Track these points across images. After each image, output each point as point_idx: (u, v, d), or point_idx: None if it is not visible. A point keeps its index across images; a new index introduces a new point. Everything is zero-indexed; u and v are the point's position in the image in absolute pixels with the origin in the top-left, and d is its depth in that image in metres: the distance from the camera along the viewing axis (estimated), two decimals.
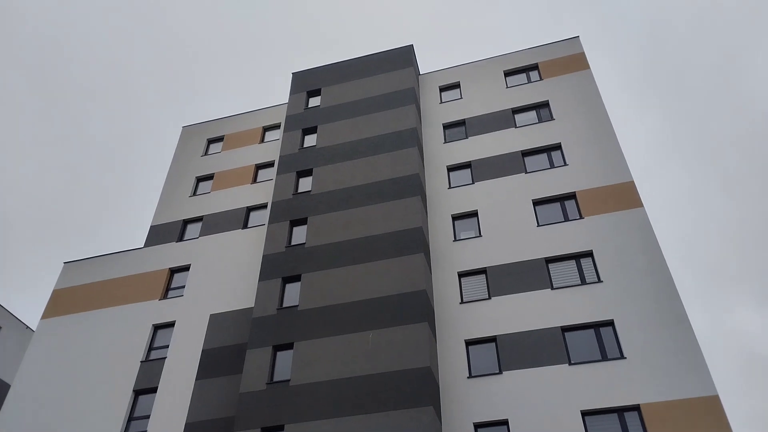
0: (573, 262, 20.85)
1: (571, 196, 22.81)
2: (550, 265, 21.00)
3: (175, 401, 21.10)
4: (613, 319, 18.84)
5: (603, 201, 21.94)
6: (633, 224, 20.91)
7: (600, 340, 18.70)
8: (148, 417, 21.14)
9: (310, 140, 27.63)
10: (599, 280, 19.89)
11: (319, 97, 29.53)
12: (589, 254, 20.84)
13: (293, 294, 21.84)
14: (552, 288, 20.21)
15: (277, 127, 31.02)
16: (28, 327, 36.25)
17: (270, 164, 29.12)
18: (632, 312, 18.78)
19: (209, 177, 29.83)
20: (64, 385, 22.89)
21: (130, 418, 21.42)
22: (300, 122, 28.39)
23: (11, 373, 33.66)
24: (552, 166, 24.06)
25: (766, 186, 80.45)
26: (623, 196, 21.82)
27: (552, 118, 25.66)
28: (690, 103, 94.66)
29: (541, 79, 27.64)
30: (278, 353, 20.32)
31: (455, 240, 22.89)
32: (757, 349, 68.61)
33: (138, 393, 22.03)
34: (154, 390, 21.86)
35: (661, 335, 18.00)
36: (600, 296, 19.51)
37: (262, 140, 30.53)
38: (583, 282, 20.16)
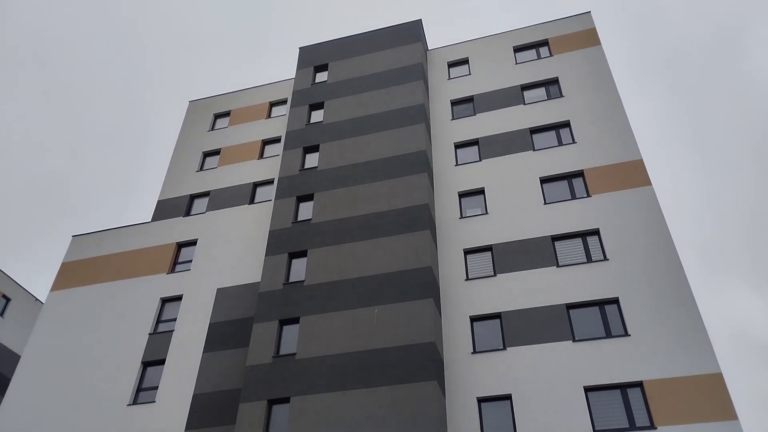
0: (579, 240, 20.83)
1: (579, 174, 22.69)
2: (556, 243, 20.98)
3: (183, 373, 21.41)
4: (618, 297, 18.88)
5: (611, 179, 21.82)
6: (641, 203, 20.81)
7: (604, 317, 18.76)
8: (156, 388, 21.47)
9: (317, 116, 27.52)
10: (605, 258, 19.88)
11: (327, 73, 29.32)
12: (595, 232, 20.80)
13: (299, 269, 21.96)
14: (558, 266, 20.23)
15: (283, 102, 30.87)
16: (37, 299, 36.72)
17: (277, 140, 29.06)
18: (638, 290, 18.80)
19: (216, 152, 29.82)
20: (73, 356, 23.23)
21: (139, 389, 21.78)
22: (307, 98, 28.24)
23: (21, 344, 34.19)
24: (560, 143, 23.90)
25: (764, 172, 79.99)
26: (631, 174, 21.68)
27: (561, 95, 25.41)
28: (696, 80, 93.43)
29: (551, 55, 27.31)
30: (284, 327, 20.51)
31: (461, 217, 22.88)
32: (750, 331, 68.75)
33: (146, 364, 22.35)
34: (162, 362, 22.17)
35: (666, 313, 18.04)
36: (605, 274, 19.52)
37: (269, 116, 30.43)
38: (589, 260, 20.16)
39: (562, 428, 16.77)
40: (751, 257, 77.14)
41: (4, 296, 34.75)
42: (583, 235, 20.90)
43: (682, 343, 17.34)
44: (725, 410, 15.80)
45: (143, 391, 21.69)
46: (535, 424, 17.07)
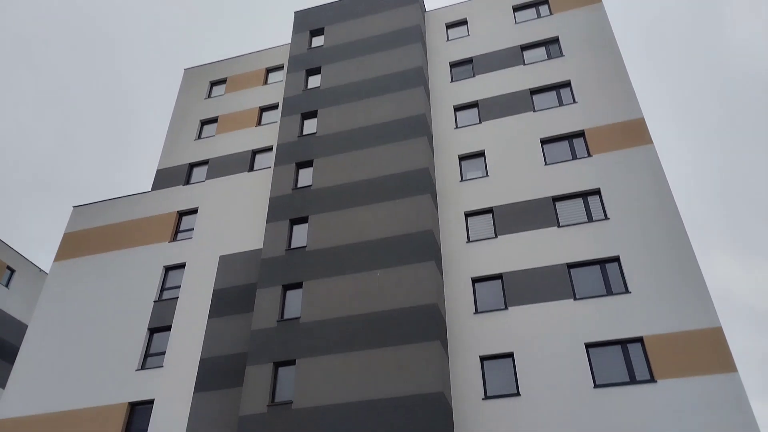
0: (580, 201, 20.86)
1: (580, 134, 22.58)
2: (557, 204, 21.02)
3: (189, 338, 21.71)
4: (618, 256, 19.01)
5: (612, 138, 21.72)
6: (642, 162, 20.76)
7: (605, 275, 18.93)
8: (163, 353, 21.80)
9: (314, 81, 27.23)
10: (606, 218, 19.94)
11: (323, 37, 28.89)
12: (596, 192, 20.82)
13: (301, 235, 22.05)
14: (558, 226, 20.31)
15: (280, 68, 30.51)
16: (41, 270, 36.97)
17: (274, 106, 28.82)
18: (638, 248, 18.91)
19: (213, 120, 29.61)
20: (80, 325, 23.51)
21: (147, 355, 22.12)
22: (303, 63, 27.90)
23: (28, 313, 34.57)
24: (561, 104, 23.71)
25: (751, 137, 79.85)
26: (633, 133, 21.57)
27: (562, 55, 25.09)
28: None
29: (551, 13, 26.86)
30: (288, 292, 20.70)
31: (462, 180, 22.86)
32: (731, 297, 69.53)
33: (152, 331, 22.64)
34: (168, 328, 22.45)
35: (667, 270, 18.18)
36: (606, 233, 19.62)
37: (266, 82, 30.11)
38: (590, 219, 20.23)
39: (564, 384, 17.09)
40: (729, 224, 77.75)
41: (8, 268, 34.99)
42: (583, 195, 20.92)
43: (682, 298, 17.53)
44: (725, 363, 16.08)
45: (151, 357, 22.04)
46: (537, 381, 17.40)
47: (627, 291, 18.22)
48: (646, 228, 19.22)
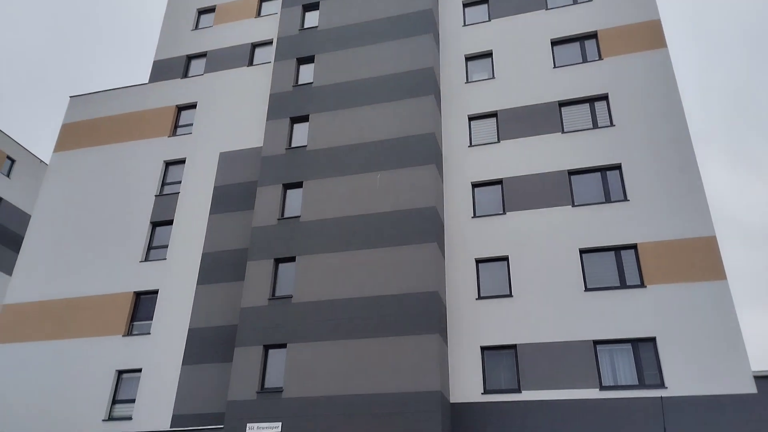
0: (587, 106, 20.40)
1: (593, 35, 21.66)
2: (563, 109, 20.58)
3: (191, 232, 22.05)
4: (620, 163, 18.89)
5: (625, 41, 20.85)
6: (654, 66, 20.07)
7: (606, 183, 18.92)
8: (166, 246, 22.24)
9: None
10: (611, 125, 19.60)
11: None
12: (604, 97, 20.31)
13: (302, 134, 21.77)
14: (563, 132, 20.01)
15: None
16: (42, 161, 36.92)
17: None
18: (642, 156, 18.75)
19: (211, 9, 28.30)
20: (82, 216, 23.80)
21: (150, 247, 22.57)
22: None
23: (30, 204, 34.95)
24: (575, 1, 22.56)
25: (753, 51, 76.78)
26: (647, 35, 20.67)
27: None
28: None
29: None
30: (288, 191, 20.77)
31: (467, 82, 22.24)
32: (724, 207, 69.90)
33: (155, 225, 22.95)
34: (170, 222, 22.75)
35: (668, 179, 18.14)
36: (611, 140, 19.37)
37: None
38: (595, 126, 19.90)
39: (555, 287, 17.60)
40: (729, 137, 76.67)
41: (8, 157, 34.92)
42: (591, 100, 20.42)
43: (679, 207, 17.62)
44: (715, 271, 16.46)
45: (154, 249, 22.50)
46: (530, 284, 17.90)
47: (626, 199, 18.28)
48: (651, 136, 18.95)
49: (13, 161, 35.25)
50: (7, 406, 20.48)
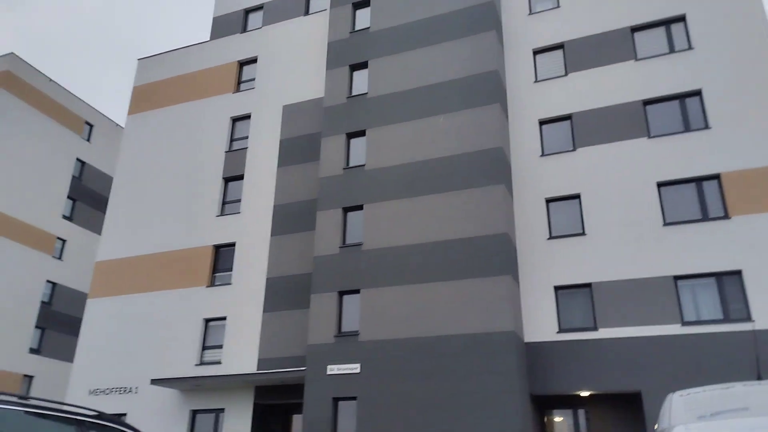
0: (662, 29, 19.04)
1: None
2: (636, 34, 19.31)
3: (262, 186, 22.69)
4: (701, 89, 17.68)
5: None
6: None
7: (684, 111, 17.83)
8: (239, 201, 23.03)
9: None
10: (690, 47, 18.27)
11: None
12: (681, 19, 18.86)
13: (362, 81, 21.60)
14: (636, 59, 18.85)
15: None
16: (117, 124, 38.60)
17: None
18: (723, 80, 17.46)
19: None
20: (159, 175, 24.89)
21: (224, 202, 23.45)
22: None
23: (110, 166, 36.83)
24: None
25: None
26: None
27: None
28: None
29: None
30: (351, 140, 20.84)
31: (530, 13, 21.18)
32: None
33: (227, 180, 23.73)
34: (241, 177, 23.45)
35: (753, 103, 16.86)
36: (689, 64, 18.09)
37: None
38: (672, 50, 18.60)
39: (631, 224, 17.02)
40: None
41: (87, 123, 36.69)
42: (666, 22, 19.03)
43: (765, 133, 16.44)
44: None
45: (228, 204, 23.37)
46: (604, 221, 17.39)
47: (707, 127, 17.20)
48: (733, 57, 17.54)
49: (91, 126, 37.02)
50: (106, 355, 22.29)
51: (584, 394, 16.52)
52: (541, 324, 17.08)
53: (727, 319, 15.35)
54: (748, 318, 15.00)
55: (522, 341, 16.80)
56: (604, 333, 16.27)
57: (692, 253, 16.10)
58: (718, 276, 15.80)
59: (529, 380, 16.58)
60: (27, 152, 32.41)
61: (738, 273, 15.58)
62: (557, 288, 17.37)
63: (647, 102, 18.29)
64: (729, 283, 15.66)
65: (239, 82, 25.59)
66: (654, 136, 17.75)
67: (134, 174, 25.57)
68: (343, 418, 17.15)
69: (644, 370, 15.40)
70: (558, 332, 16.82)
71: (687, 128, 17.57)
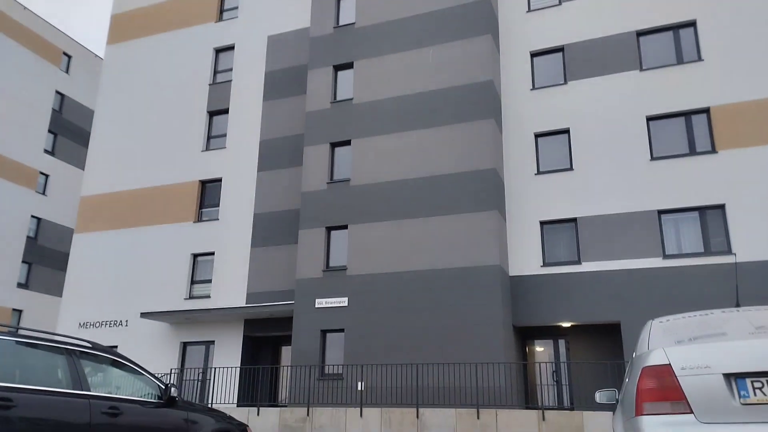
0: None
1: None
2: None
3: (247, 120, 22.26)
4: (695, 20, 17.28)
5: None
6: None
7: (678, 43, 17.48)
8: (224, 135, 22.63)
9: None
10: None
11: None
12: None
13: (349, 8, 20.86)
14: None
15: None
16: (96, 55, 37.33)
17: None
18: (719, 10, 17.03)
19: None
20: (142, 109, 24.29)
21: (209, 137, 23.04)
22: None
23: (90, 99, 35.88)
24: None
25: None
26: None
27: None
28: None
29: None
30: (339, 73, 20.33)
31: None
32: None
33: (212, 114, 23.23)
34: (225, 111, 22.94)
35: (749, 35, 16.54)
36: None
37: None
38: None
39: (619, 158, 17.00)
40: None
41: (65, 54, 35.42)
42: None
43: (759, 66, 16.22)
44: None
45: (213, 139, 22.98)
46: (592, 156, 17.35)
47: (700, 59, 16.93)
48: None
49: (69, 57, 35.78)
50: (94, 289, 22.41)
51: (565, 325, 16.97)
52: (526, 258, 17.31)
53: (708, 252, 15.63)
54: (729, 251, 15.28)
55: (507, 275, 17.08)
56: (587, 267, 16.56)
57: (678, 188, 16.20)
58: (702, 210, 15.98)
59: (513, 312, 16.97)
60: (4, 85, 31.40)
61: (721, 207, 15.75)
62: (543, 223, 17.51)
63: (641, 33, 17.89)
64: (712, 217, 15.86)
65: (222, 11, 24.62)
66: (646, 69, 17.47)
67: (116, 107, 24.94)
68: (330, 349, 17.58)
69: (625, 301, 15.79)
70: (542, 266, 17.09)
71: (680, 60, 17.29)
